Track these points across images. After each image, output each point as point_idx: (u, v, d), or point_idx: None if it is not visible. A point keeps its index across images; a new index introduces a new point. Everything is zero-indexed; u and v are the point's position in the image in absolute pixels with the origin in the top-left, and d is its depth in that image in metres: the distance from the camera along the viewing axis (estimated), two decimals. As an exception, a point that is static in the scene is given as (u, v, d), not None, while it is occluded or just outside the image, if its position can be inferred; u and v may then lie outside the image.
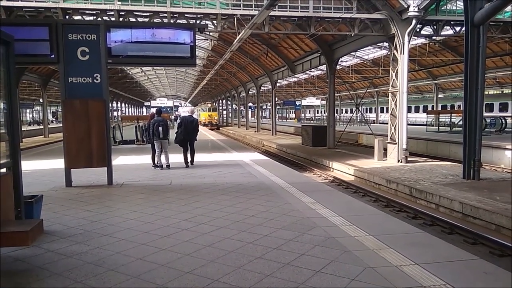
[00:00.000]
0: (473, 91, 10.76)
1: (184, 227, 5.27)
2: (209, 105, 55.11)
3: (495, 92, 34.35)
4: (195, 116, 12.27)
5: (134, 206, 6.49)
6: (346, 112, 56.62)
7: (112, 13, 13.43)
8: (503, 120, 24.25)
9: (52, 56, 7.80)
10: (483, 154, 12.26)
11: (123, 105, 70.59)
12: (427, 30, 16.13)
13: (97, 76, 8.02)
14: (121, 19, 13.50)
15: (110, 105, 50.16)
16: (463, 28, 12.22)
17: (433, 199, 9.62)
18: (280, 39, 23.36)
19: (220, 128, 50.60)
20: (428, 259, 4.09)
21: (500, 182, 10.83)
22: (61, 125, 9.32)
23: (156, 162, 11.04)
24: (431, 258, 4.11)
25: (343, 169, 14.85)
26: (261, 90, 38.84)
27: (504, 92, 34.11)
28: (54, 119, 62.52)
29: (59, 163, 9.96)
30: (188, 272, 3.80)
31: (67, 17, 13.31)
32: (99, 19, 13.37)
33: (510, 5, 13.52)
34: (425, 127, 28.29)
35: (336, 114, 28.45)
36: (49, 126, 34.70)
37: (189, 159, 11.55)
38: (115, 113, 59.36)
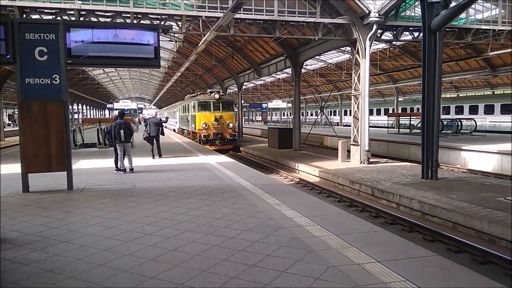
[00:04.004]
0: (430, 95, 11.21)
1: (148, 232, 5.17)
2: (216, 95, 24.01)
3: (451, 96, 35.95)
4: (158, 116, 15.01)
5: (95, 211, 6.31)
6: (312, 114, 57.55)
7: (72, 12, 13.02)
8: (459, 122, 25.41)
9: (8, 56, 7.46)
10: (441, 155, 12.82)
11: (84, 107, 68.44)
12: (387, 35, 16.70)
13: (56, 77, 7.74)
14: (81, 18, 13.11)
15: (70, 107, 48.06)
16: (421, 34, 12.75)
17: (394, 198, 9.94)
18: (246, 41, 23.44)
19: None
20: (389, 256, 4.23)
21: (456, 182, 11.34)
22: (18, 128, 8.91)
23: (119, 165, 10.78)
24: (391, 256, 4.25)
25: (308, 171, 15.07)
26: (227, 92, 38.77)
27: (460, 95, 35.80)
28: (11, 122, 59.68)
29: (15, 168, 9.51)
30: (152, 277, 3.73)
31: (24, 15, 12.77)
32: (59, 18, 12.92)
33: (464, 12, 14.26)
34: (386, 129, 29.21)
35: (301, 117, 28.87)
36: (5, 129, 33.09)
37: (155, 153, 13.94)
38: (75, 116, 57.47)
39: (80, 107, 63.89)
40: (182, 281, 3.63)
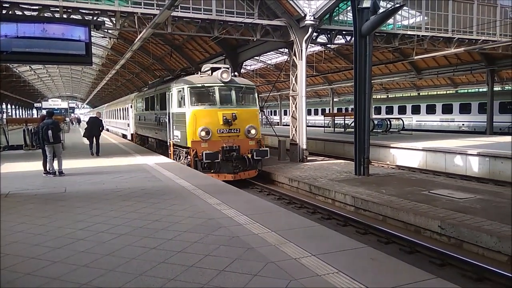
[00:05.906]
0: (361, 95, 11.81)
1: (80, 237, 4.93)
2: (225, 74, 12.67)
3: (381, 97, 38.12)
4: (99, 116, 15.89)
5: (21, 218, 5.89)
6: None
7: (-8, 4, 12.01)
8: (388, 122, 27.01)
9: None
10: (372, 152, 13.56)
11: (8, 106, 63.32)
12: (323, 38, 17.31)
13: (-26, 73, 7.12)
14: (4, 11, 12.13)
15: (-8, 106, 44.00)
16: (353, 38, 13.39)
17: (329, 194, 10.36)
18: (184, 40, 23.11)
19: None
20: (324, 250, 4.40)
21: (386, 177, 12.06)
22: None
23: (48, 168, 10.14)
24: (326, 249, 4.43)
25: (248, 170, 15.17)
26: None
27: (389, 96, 38.10)
28: None
29: None
30: (85, 284, 3.57)
31: None
32: (-23, 10, 11.86)
33: (392, 18, 15.20)
34: (323, 128, 30.27)
35: (241, 117, 28.95)
36: None
37: (94, 151, 14.63)
38: (-2, 116, 53.05)
39: (3, 106, 59.03)
40: (118, 286, 3.51)
